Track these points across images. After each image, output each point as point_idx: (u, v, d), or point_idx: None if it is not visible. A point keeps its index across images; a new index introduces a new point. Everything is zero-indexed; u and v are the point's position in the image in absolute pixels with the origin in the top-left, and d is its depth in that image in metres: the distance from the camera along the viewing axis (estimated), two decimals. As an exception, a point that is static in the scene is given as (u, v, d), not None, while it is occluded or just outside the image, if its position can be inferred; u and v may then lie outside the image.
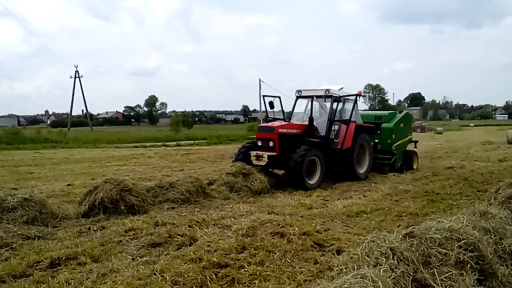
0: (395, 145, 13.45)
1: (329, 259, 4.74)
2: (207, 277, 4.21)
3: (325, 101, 12.00)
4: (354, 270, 3.45)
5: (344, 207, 7.90)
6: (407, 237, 3.90)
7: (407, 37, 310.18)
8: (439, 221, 4.37)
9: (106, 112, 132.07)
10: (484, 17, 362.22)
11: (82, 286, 4.04)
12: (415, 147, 15.45)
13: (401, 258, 3.56)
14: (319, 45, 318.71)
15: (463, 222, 4.33)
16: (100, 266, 4.59)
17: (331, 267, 4.28)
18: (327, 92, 11.44)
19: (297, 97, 12.52)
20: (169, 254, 5.02)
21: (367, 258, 3.62)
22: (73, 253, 4.93)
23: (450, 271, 3.54)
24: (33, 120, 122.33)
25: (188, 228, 6.11)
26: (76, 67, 67.56)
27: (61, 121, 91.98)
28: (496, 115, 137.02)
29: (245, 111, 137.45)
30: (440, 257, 3.67)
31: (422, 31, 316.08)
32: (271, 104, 11.98)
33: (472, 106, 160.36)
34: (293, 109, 12.79)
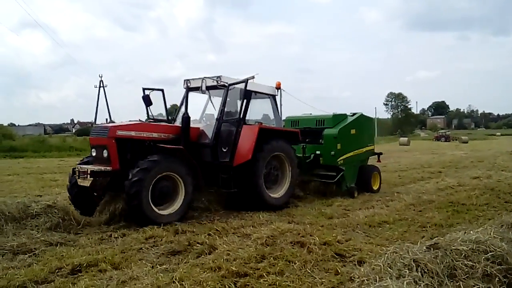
0: (342, 158, 10.29)
1: (350, 270, 4.63)
2: (226, 286, 4.18)
3: (208, 93, 8.62)
4: (376, 282, 3.38)
5: (366, 217, 7.76)
6: (432, 249, 3.80)
7: (432, 44, 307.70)
8: (465, 233, 4.24)
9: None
10: None
11: (102, 293, 4.06)
12: (378, 161, 12.45)
13: (425, 270, 3.47)
14: (340, 54, 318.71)
15: (490, 233, 4.20)
16: (120, 274, 4.60)
17: (352, 278, 4.18)
18: (218, 80, 8.22)
19: (187, 90, 9.13)
20: (188, 262, 5.01)
21: (389, 269, 3.54)
22: (94, 260, 4.96)
23: (477, 285, 3.42)
24: (59, 129, 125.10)
25: (207, 236, 6.09)
26: (101, 76, 68.81)
27: (85, 130, 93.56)
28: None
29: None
30: (466, 269, 3.56)
31: (448, 39, 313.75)
32: (147, 100, 8.84)
33: (498, 115, 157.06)
34: (180, 106, 9.35)
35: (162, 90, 9.11)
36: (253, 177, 8.25)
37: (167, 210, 7.21)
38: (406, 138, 53.24)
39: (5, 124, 57.16)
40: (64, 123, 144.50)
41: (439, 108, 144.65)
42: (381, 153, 12.51)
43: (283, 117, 10.85)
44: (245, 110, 8.65)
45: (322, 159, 10.38)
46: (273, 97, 9.63)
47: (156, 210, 7.02)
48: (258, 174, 8.31)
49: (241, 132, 8.32)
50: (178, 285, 4.17)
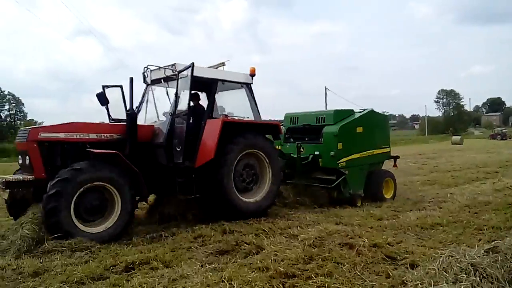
0: (343, 160, 9.02)
1: (402, 273, 4.48)
2: (275, 286, 4.17)
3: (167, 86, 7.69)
4: (431, 286, 3.26)
5: (417, 218, 7.49)
6: (490, 252, 3.62)
7: (487, 38, 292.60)
8: (527, 236, 4.00)
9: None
10: None
11: (154, 290, 4.18)
12: (395, 165, 11.02)
13: (484, 275, 3.30)
14: (388, 50, 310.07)
15: (555, 237, 3.93)
16: (171, 272, 4.72)
17: (404, 282, 4.05)
18: (173, 69, 7.27)
19: (148, 84, 8.22)
20: (236, 262, 5.05)
21: (445, 274, 3.40)
22: (146, 258, 5.12)
23: (542, 292, 3.21)
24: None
25: (254, 237, 6.13)
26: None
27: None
28: None
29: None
30: (530, 275, 3.35)
31: (504, 31, 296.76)
32: (102, 98, 7.27)
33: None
34: (141, 101, 8.32)
35: (120, 87, 7.69)
36: (219, 180, 7.19)
37: (100, 226, 6.15)
38: (459, 137, 50.99)
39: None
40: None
41: (495, 104, 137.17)
42: (397, 157, 11.01)
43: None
44: (211, 101, 7.76)
45: (321, 161, 9.17)
46: (247, 86, 8.33)
47: (83, 227, 5.97)
48: (224, 175, 7.21)
49: (205, 128, 7.37)
50: (227, 284, 4.21)
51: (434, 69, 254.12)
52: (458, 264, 3.46)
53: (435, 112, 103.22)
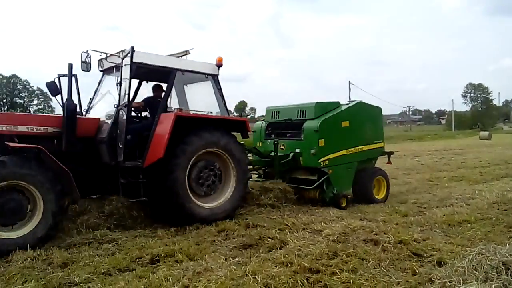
0: (326, 158, 8.18)
1: (429, 270, 4.40)
2: (299, 281, 4.15)
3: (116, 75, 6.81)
4: (460, 284, 3.19)
5: (444, 215, 7.32)
6: (523, 251, 3.50)
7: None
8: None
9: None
10: None
11: (179, 282, 4.21)
12: (389, 162, 10.15)
13: (516, 274, 3.20)
14: (415, 44, 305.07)
15: None
16: (195, 265, 4.76)
17: (432, 279, 3.98)
18: (121, 55, 6.55)
19: (103, 72, 7.45)
20: (260, 256, 5.06)
21: (474, 272, 3.32)
22: (171, 250, 5.19)
23: None
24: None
25: (278, 231, 6.11)
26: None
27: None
28: None
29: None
30: None
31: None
32: (53, 87, 6.22)
33: None
34: (95, 92, 7.56)
35: (75, 76, 6.48)
36: (168, 182, 6.38)
37: (20, 230, 5.38)
38: (487, 132, 49.59)
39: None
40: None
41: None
42: (392, 153, 10.16)
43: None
44: (167, 93, 7.02)
45: (302, 159, 8.40)
46: (213, 77, 7.49)
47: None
48: (175, 177, 6.39)
49: (157, 123, 6.58)
50: (251, 278, 4.22)
51: (462, 63, 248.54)
52: (488, 262, 3.37)
53: (462, 106, 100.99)
